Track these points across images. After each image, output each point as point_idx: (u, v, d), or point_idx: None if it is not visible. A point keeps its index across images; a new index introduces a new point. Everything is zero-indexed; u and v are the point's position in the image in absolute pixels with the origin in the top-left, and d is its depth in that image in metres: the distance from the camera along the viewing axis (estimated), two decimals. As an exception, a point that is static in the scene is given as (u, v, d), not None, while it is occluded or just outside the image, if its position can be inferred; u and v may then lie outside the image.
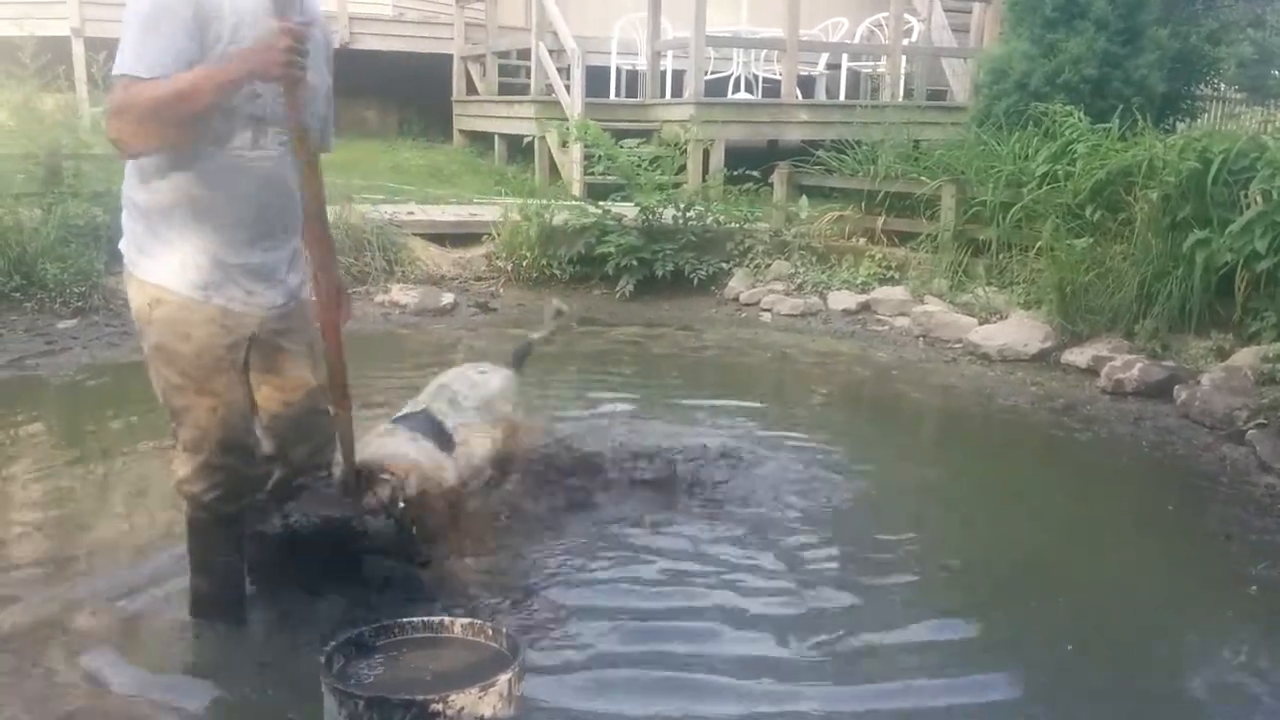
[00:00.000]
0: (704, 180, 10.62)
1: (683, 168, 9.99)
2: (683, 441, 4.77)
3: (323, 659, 2.35)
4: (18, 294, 6.59)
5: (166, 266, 2.68)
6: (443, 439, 3.33)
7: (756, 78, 13.19)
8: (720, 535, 3.85)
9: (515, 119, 12.69)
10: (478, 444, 3.48)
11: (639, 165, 8.96)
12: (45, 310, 6.62)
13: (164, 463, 3.56)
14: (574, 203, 9.49)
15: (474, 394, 3.63)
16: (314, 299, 2.96)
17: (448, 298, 8.20)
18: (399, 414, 3.47)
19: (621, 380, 6.41)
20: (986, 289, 7.49)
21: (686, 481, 4.30)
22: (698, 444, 4.73)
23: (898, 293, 7.87)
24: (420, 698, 2.22)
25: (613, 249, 8.43)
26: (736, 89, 12.99)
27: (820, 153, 9.71)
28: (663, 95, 12.34)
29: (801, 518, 4.08)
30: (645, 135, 11.19)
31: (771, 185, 9.48)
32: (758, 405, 5.88)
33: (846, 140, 9.66)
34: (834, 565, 3.67)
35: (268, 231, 2.76)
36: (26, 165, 7.22)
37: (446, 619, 2.63)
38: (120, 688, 2.71)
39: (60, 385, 5.55)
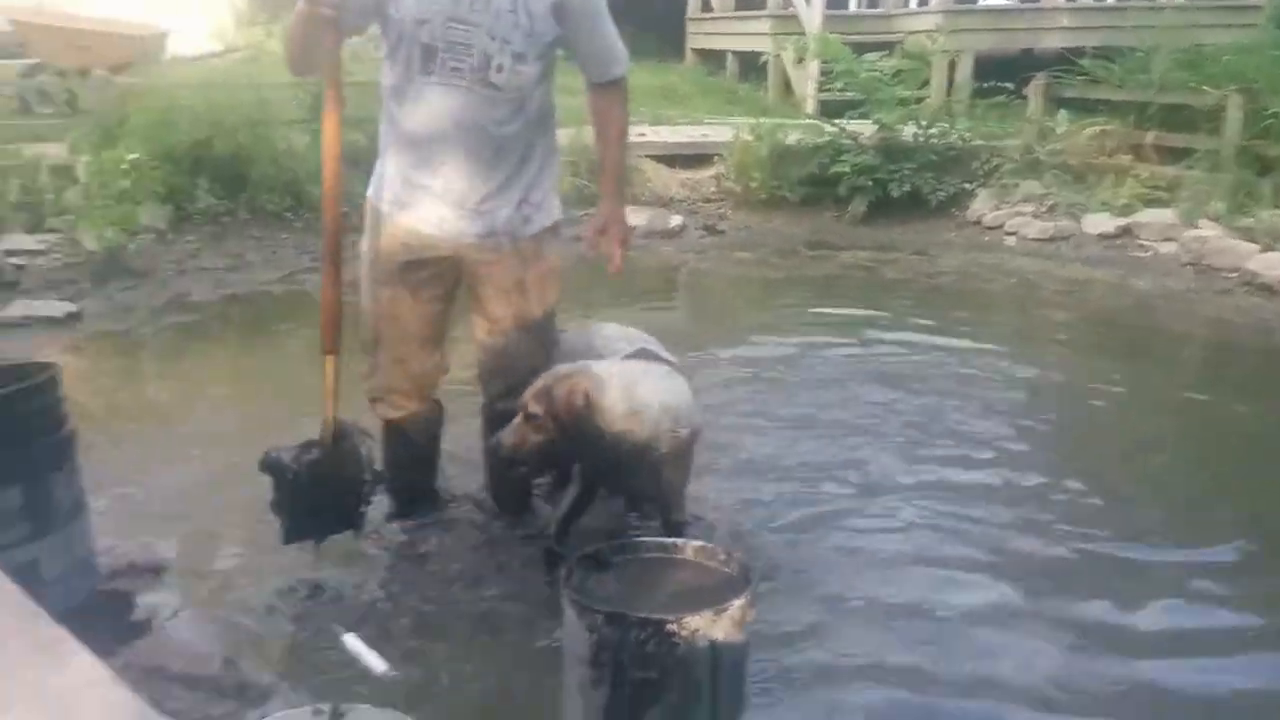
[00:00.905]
0: (949, 95, 10.02)
1: (926, 81, 9.45)
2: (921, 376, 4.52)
3: (563, 571, 2.43)
4: (289, 214, 7.14)
5: (376, 181, 2.90)
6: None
7: (1011, -20, 12.25)
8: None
9: (750, 35, 12.42)
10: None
11: (880, 80, 8.55)
12: (311, 229, 7.13)
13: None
14: (808, 121, 9.21)
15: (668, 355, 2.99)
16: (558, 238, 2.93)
17: (676, 220, 8.21)
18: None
19: (849, 307, 6.19)
20: (1273, 212, 6.69)
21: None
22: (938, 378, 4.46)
23: (1165, 216, 7.18)
24: (657, 617, 2.25)
25: (847, 169, 8.15)
26: (987, -6, 12.13)
27: (1083, 61, 8.91)
28: (906, 4, 11.68)
29: (1076, 467, 3.72)
30: (887, 48, 10.64)
31: (1024, 98, 8.82)
32: (999, 338, 5.54)
33: (1114, 46, 8.80)
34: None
35: (451, 158, 2.75)
36: (296, 93, 7.73)
37: (679, 540, 2.65)
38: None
39: (324, 299, 6.02)
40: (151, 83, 7.96)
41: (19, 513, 2.29)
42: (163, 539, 3.02)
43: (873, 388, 4.47)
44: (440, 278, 2.90)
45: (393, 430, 3.04)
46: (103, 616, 2.39)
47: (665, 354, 2.91)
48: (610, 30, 2.81)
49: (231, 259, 6.62)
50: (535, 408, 2.64)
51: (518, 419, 2.65)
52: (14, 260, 5.93)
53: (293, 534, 2.78)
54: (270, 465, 2.73)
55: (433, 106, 2.72)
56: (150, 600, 2.66)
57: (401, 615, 2.65)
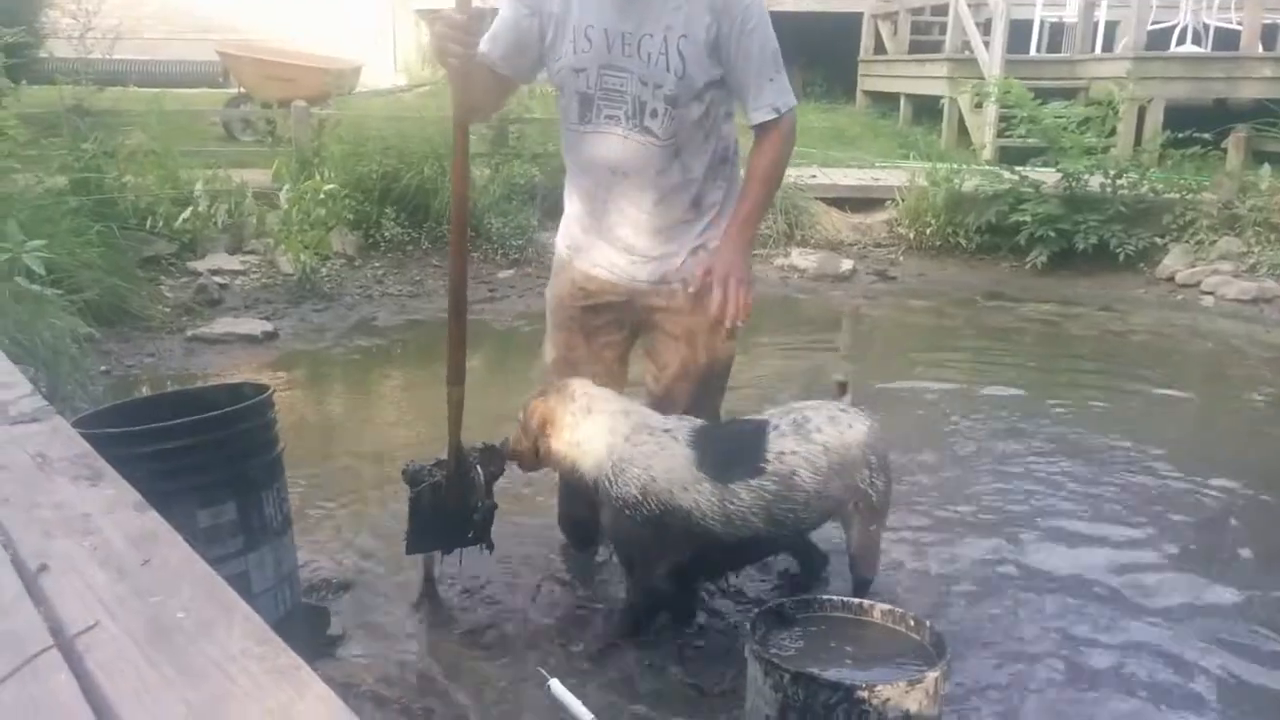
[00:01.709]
0: (1137, 144, 9.55)
1: (1114, 130, 9.04)
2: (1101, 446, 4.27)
3: (748, 625, 2.38)
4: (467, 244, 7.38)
5: (560, 227, 2.96)
6: (748, 456, 2.63)
7: (1207, 27, 11.60)
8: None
9: (925, 78, 12.18)
10: (798, 486, 2.60)
11: (1064, 127, 8.22)
12: (488, 260, 7.38)
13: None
14: (986, 168, 8.93)
15: (831, 431, 2.66)
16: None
17: (846, 264, 8.08)
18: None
19: (1026, 363, 5.93)
20: None
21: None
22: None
23: (1382, 280, 6.62)
24: (848, 682, 2.17)
25: (1028, 218, 7.85)
26: (1181, 40, 11.51)
27: (1288, 113, 8.36)
28: (1093, 49, 11.23)
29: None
30: (1070, 95, 10.25)
31: (1221, 150, 8.32)
32: (1194, 402, 5.19)
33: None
34: None
35: (616, 205, 2.74)
36: (478, 128, 8.02)
37: (867, 602, 2.56)
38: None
39: (501, 329, 6.20)
40: (345, 115, 8.39)
41: (233, 526, 2.40)
42: (354, 557, 3.13)
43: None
44: (616, 324, 2.91)
45: None
46: (303, 630, 2.47)
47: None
48: (770, 67, 2.62)
49: (413, 286, 6.89)
50: (520, 413, 2.75)
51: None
52: (218, 279, 6.34)
53: (413, 545, 2.88)
54: (409, 475, 2.84)
55: (594, 155, 2.72)
56: (343, 616, 2.75)
57: (607, 669, 2.64)
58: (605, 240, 2.79)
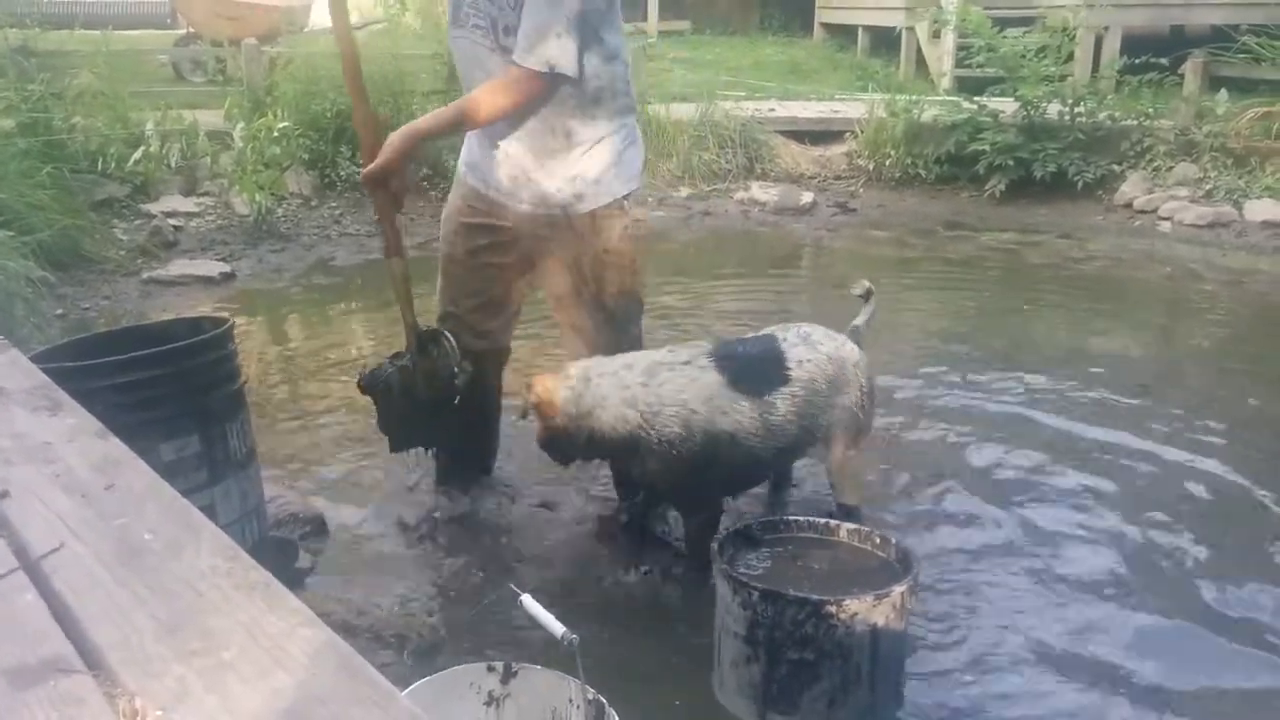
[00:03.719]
0: (1095, 72, 9.57)
1: (1070, 57, 9.04)
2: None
3: (715, 546, 2.40)
4: (425, 184, 7.29)
5: (464, 143, 2.92)
6: (773, 368, 2.70)
7: (1164, -47, 11.58)
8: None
9: (882, 9, 12.09)
10: (818, 391, 2.71)
11: (1022, 55, 8.21)
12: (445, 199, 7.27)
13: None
14: (944, 98, 8.92)
15: (830, 344, 2.79)
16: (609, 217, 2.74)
17: (807, 196, 8.08)
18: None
19: (989, 291, 5.99)
20: None
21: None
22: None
23: (1336, 203, 6.73)
24: (815, 597, 2.20)
25: (986, 147, 7.87)
26: (1138, -33, 11.48)
27: (1245, 38, 8.39)
28: (1050, -23, 11.17)
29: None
30: (1027, 24, 10.22)
31: (1178, 77, 8.36)
32: (1153, 330, 5.28)
33: (1277, 24, 8.27)
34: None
35: (494, 123, 2.68)
36: (433, 64, 7.86)
37: (833, 522, 2.59)
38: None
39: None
40: (297, 53, 8.18)
41: (197, 459, 2.38)
42: (319, 491, 3.13)
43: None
44: (501, 248, 2.85)
45: None
46: (270, 563, 2.46)
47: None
48: (534, 19, 2.47)
49: (371, 225, 6.77)
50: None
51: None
52: (173, 221, 6.21)
53: (399, 444, 2.84)
54: (366, 383, 2.75)
55: (467, 64, 2.69)
56: (312, 550, 2.75)
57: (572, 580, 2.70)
58: (490, 158, 2.76)
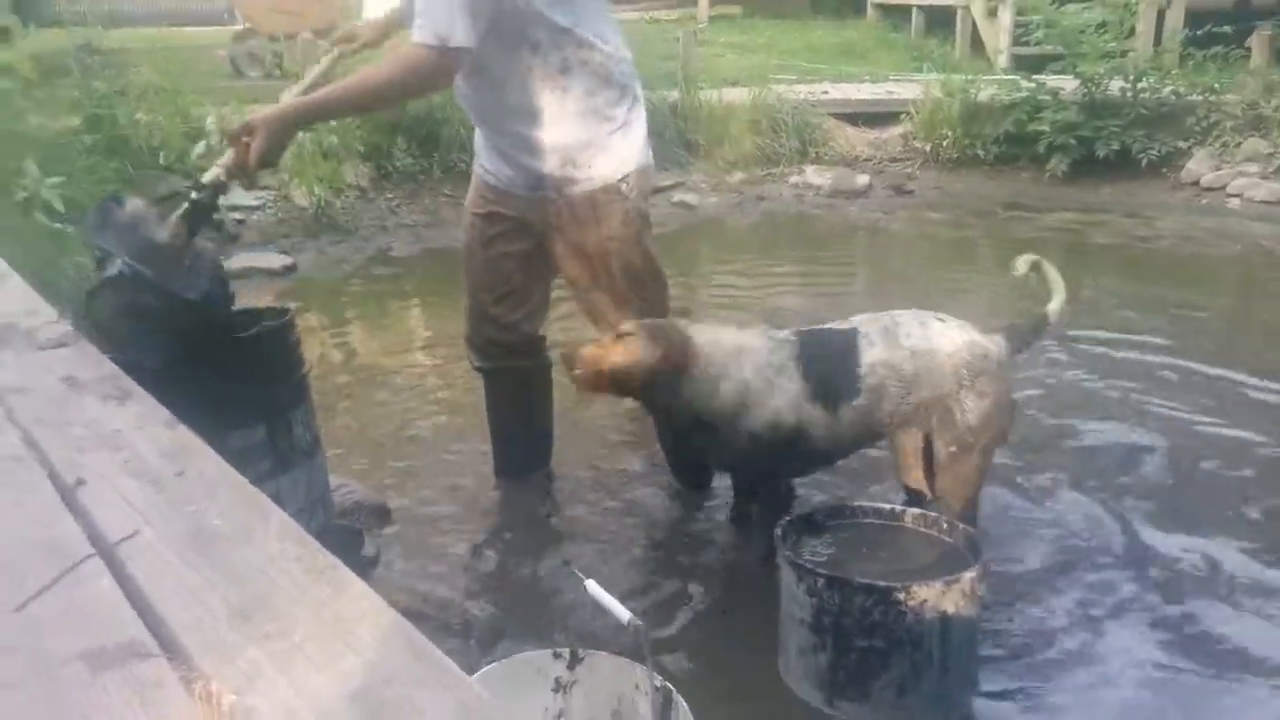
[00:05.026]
0: (1157, 46, 9.30)
1: (1132, 31, 8.78)
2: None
3: (779, 532, 2.37)
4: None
5: None
6: (838, 375, 2.58)
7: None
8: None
9: (937, -13, 11.87)
10: (888, 396, 2.58)
11: (1082, 31, 7.99)
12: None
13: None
14: (1002, 77, 8.74)
15: (920, 335, 2.61)
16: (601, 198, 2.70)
17: (862, 179, 7.97)
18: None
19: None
20: None
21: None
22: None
23: None
24: (883, 584, 2.17)
25: (1046, 126, 7.69)
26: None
27: (1318, 7, 8.10)
28: (1111, -50, 10.87)
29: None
30: (1087, -2, 9.97)
31: (1245, 49, 8.09)
32: (1224, 309, 5.12)
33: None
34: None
35: (484, 110, 2.70)
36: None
37: (898, 508, 2.55)
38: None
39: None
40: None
41: (262, 448, 2.40)
42: (383, 480, 3.15)
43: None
44: (514, 234, 2.83)
45: (483, 374, 3.09)
46: (336, 551, 2.48)
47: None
48: None
49: (428, 215, 6.84)
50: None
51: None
52: (235, 215, 6.31)
53: None
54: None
55: None
56: (377, 539, 2.77)
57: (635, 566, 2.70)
58: (490, 145, 2.77)
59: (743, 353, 2.57)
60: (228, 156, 2.39)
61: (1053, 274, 2.80)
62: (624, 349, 2.52)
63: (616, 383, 2.55)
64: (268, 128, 2.35)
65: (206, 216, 2.38)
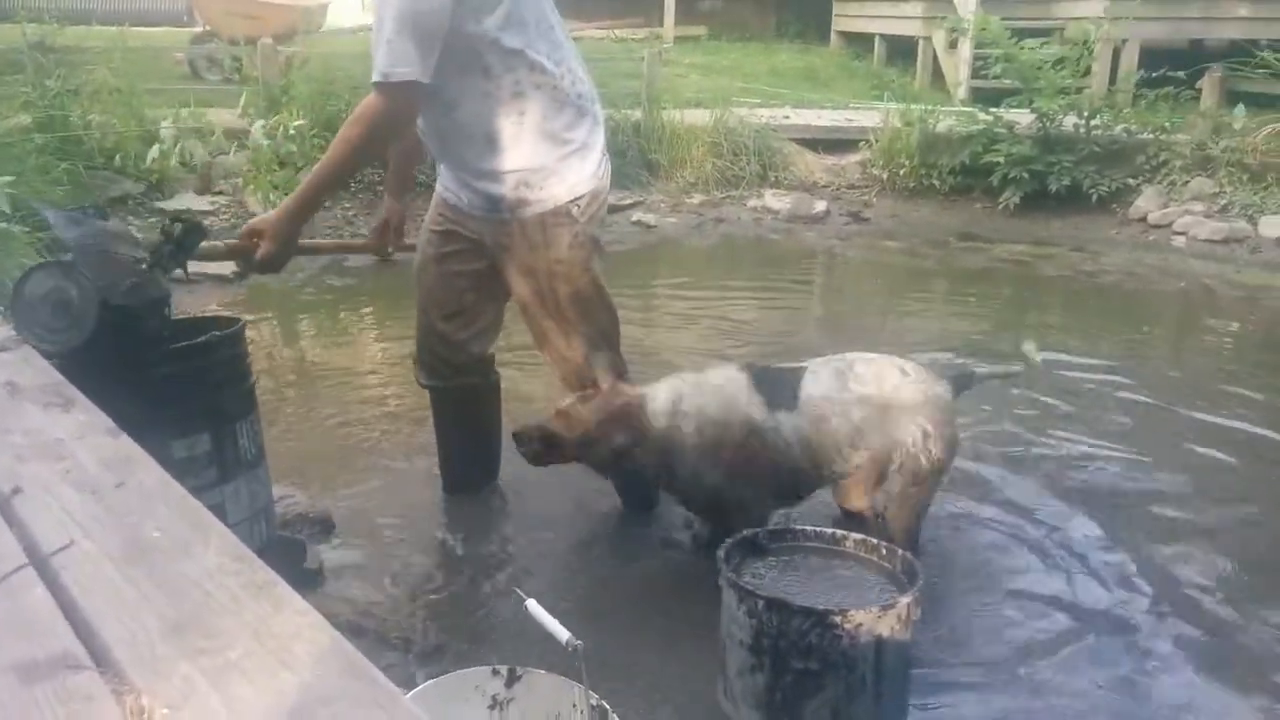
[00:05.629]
0: (1112, 85, 9.54)
1: (1088, 70, 9.01)
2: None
3: (722, 553, 2.40)
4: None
5: None
6: (776, 396, 2.72)
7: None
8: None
9: (899, 19, 12.09)
10: (827, 432, 2.70)
11: (1039, 67, 8.18)
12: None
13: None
14: (960, 108, 8.91)
15: (874, 384, 2.72)
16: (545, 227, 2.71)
17: (820, 205, 8.07)
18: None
19: (1001, 305, 5.99)
20: None
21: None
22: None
23: (1353, 221, 6.70)
24: (820, 607, 2.20)
25: (1001, 159, 7.85)
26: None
27: (1264, 54, 8.35)
28: (1069, -11, 11.16)
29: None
30: (1045, 34, 10.20)
31: (1195, 91, 8.33)
32: (1165, 347, 5.26)
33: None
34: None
35: (436, 128, 2.71)
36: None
37: (840, 532, 2.59)
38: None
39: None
40: (313, 53, 8.22)
41: (206, 458, 2.39)
42: (327, 492, 3.14)
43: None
44: (468, 254, 2.84)
45: (430, 392, 3.11)
46: (278, 563, 2.47)
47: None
48: (381, 31, 2.43)
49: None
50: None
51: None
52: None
53: None
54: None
55: None
56: (320, 551, 2.76)
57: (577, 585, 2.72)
58: (444, 163, 2.82)
59: (698, 391, 2.71)
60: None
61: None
62: (567, 424, 2.64)
63: (584, 459, 2.73)
64: (274, 231, 2.56)
65: (180, 261, 2.46)
